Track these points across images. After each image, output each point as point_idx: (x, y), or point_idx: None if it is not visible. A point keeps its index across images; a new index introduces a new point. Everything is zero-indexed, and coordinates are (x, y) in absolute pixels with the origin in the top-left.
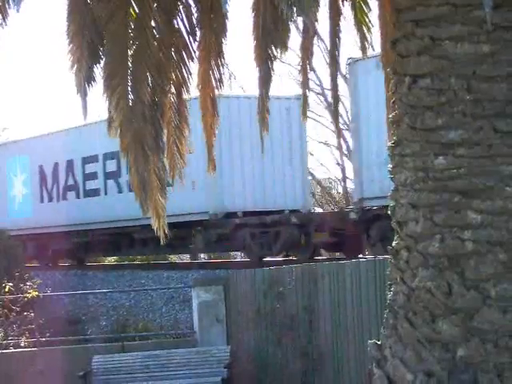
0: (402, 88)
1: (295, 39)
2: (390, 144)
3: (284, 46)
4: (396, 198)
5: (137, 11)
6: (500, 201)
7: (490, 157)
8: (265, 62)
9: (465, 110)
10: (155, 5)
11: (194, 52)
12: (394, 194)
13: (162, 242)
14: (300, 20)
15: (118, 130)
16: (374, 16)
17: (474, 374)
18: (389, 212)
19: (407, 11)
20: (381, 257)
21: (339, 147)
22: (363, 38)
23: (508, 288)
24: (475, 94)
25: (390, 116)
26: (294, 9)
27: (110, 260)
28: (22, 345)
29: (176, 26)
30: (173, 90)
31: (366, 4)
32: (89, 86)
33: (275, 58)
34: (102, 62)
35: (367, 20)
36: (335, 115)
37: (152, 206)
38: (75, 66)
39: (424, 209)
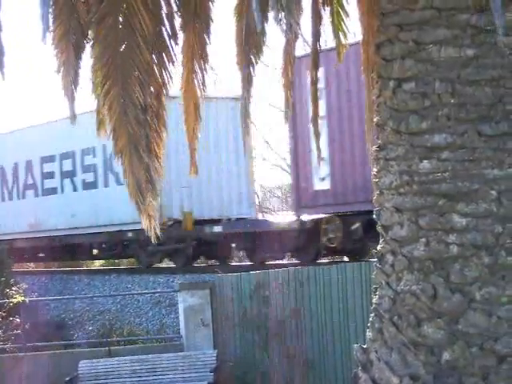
0: (387, 92)
1: (280, 42)
2: (374, 148)
3: (260, 51)
4: (381, 201)
5: (126, 14)
6: (485, 204)
7: (474, 160)
8: (247, 66)
9: (449, 114)
10: (142, 8)
11: (175, 55)
12: (378, 197)
13: (153, 242)
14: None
15: (111, 133)
16: (355, 20)
17: (460, 378)
18: (374, 216)
19: (391, 15)
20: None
21: (318, 150)
22: (339, 44)
23: (493, 291)
24: (459, 97)
25: (375, 120)
26: (283, 14)
27: (96, 264)
28: (8, 350)
29: (159, 28)
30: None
31: (344, 10)
32: (75, 88)
33: (257, 62)
34: (91, 65)
35: (344, 26)
36: (315, 121)
37: (143, 207)
38: (62, 70)
39: (409, 212)
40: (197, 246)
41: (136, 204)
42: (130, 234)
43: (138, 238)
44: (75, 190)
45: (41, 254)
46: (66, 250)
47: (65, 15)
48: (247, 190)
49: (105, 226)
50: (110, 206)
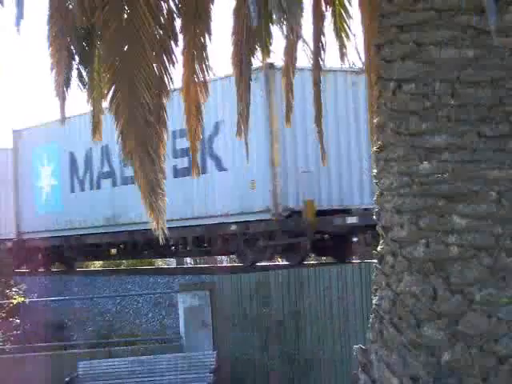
0: (387, 93)
1: (280, 43)
2: (374, 149)
3: (267, 52)
4: (381, 202)
5: (130, 16)
6: (485, 205)
7: (474, 161)
8: (243, 67)
9: (449, 115)
10: (146, 10)
11: (176, 56)
12: (378, 198)
13: (160, 243)
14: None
15: (119, 135)
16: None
17: (460, 379)
18: (374, 216)
19: (391, 16)
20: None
21: (322, 153)
22: (342, 46)
23: (493, 292)
24: (460, 98)
25: (375, 121)
26: (285, 15)
27: (96, 265)
28: (8, 350)
29: (161, 30)
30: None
31: (347, 12)
32: (67, 89)
33: (251, 63)
34: (88, 68)
35: (346, 27)
36: (318, 120)
37: (156, 207)
38: (54, 69)
39: (409, 213)
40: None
41: (149, 205)
42: (233, 227)
43: (243, 231)
44: (164, 177)
45: (114, 251)
46: (148, 245)
47: (59, 15)
48: (369, 176)
49: (200, 217)
50: (209, 194)
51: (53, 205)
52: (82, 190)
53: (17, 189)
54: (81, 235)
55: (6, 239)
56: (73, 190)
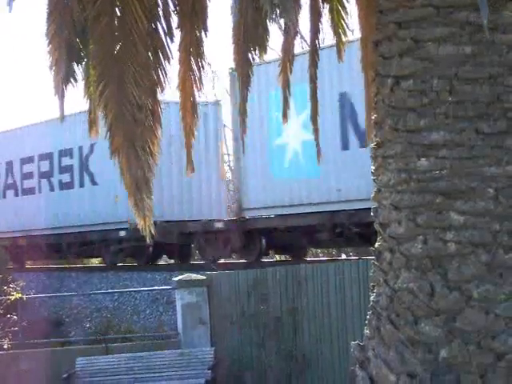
0: (385, 89)
1: (277, 39)
2: (372, 145)
3: (263, 48)
4: (379, 199)
5: (121, 13)
6: (482, 202)
7: (472, 158)
8: (244, 65)
9: (447, 112)
10: (137, 6)
11: (171, 53)
12: (376, 195)
13: (148, 241)
14: (282, 21)
15: (107, 132)
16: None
17: (457, 375)
18: (372, 213)
19: (389, 12)
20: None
21: (317, 147)
22: (339, 42)
23: (490, 289)
24: (457, 95)
25: (373, 117)
26: (278, 11)
27: (94, 261)
28: (6, 347)
29: (155, 26)
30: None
31: (344, 7)
32: (66, 87)
33: (254, 60)
34: (84, 64)
35: (344, 23)
36: (314, 118)
37: (142, 206)
38: (54, 67)
39: (407, 210)
40: None
41: (134, 203)
42: None
43: None
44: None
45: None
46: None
47: (58, 12)
48: None
49: None
50: None
51: (303, 169)
52: (362, 146)
53: (237, 150)
54: (356, 210)
55: (217, 220)
56: (346, 147)
